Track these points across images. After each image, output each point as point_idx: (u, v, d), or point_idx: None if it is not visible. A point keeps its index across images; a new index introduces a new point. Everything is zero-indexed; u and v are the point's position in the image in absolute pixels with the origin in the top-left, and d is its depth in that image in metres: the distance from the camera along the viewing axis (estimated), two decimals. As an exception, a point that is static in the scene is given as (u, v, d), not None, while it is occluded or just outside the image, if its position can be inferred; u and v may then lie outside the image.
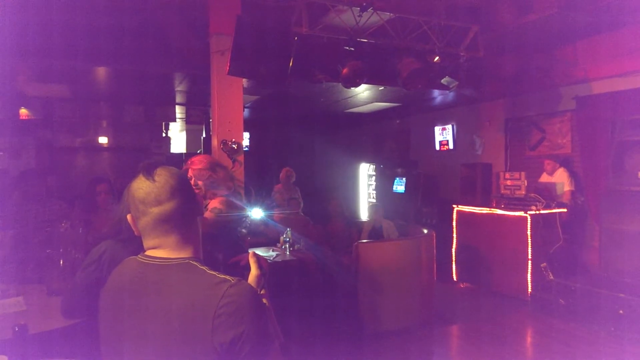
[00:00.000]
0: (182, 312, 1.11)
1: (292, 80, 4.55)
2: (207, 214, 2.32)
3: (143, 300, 1.18)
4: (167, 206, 1.22)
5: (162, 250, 1.24)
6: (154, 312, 1.15)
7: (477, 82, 5.27)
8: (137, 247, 1.37)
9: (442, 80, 5.02)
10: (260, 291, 1.39)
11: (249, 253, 1.53)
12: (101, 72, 6.23)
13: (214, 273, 1.17)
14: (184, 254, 1.23)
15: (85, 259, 2.00)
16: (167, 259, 1.22)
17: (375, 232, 6.08)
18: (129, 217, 1.28)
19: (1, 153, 7.59)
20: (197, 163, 2.45)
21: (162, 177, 1.24)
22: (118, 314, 1.23)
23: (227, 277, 1.15)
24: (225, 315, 1.08)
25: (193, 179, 2.43)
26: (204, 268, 1.19)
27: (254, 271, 1.43)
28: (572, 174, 6.18)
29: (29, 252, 2.86)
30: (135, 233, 1.28)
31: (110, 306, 1.27)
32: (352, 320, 4.69)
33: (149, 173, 1.24)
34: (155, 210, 1.22)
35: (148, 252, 1.25)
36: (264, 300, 1.36)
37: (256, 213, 5.05)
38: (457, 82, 5.07)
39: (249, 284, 1.20)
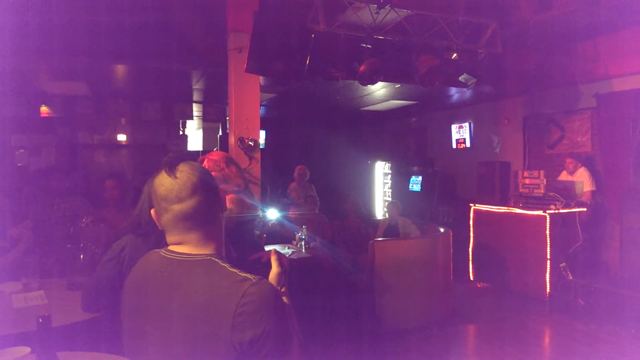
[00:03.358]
0: (202, 309, 1.11)
1: (309, 78, 4.54)
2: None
3: (165, 296, 1.19)
4: (189, 204, 1.21)
5: (184, 246, 1.24)
6: (175, 308, 1.15)
7: (496, 79, 5.21)
8: (157, 241, 1.38)
9: (460, 78, 4.97)
10: (280, 289, 1.39)
11: (269, 250, 1.53)
12: (119, 69, 6.29)
13: (235, 271, 1.16)
14: (206, 250, 1.23)
15: (105, 254, 2.02)
16: (189, 255, 1.21)
17: (391, 230, 6.05)
18: (152, 211, 1.29)
19: (22, 150, 7.73)
20: (215, 155, 2.50)
21: (184, 173, 1.23)
22: (140, 308, 1.24)
23: (249, 275, 1.14)
24: (245, 314, 1.07)
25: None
26: (225, 265, 1.18)
27: (274, 269, 1.42)
28: (593, 174, 6.07)
29: (50, 246, 2.91)
30: (159, 228, 1.29)
31: (132, 300, 1.28)
32: (368, 318, 4.67)
33: (171, 169, 1.23)
34: (177, 208, 1.21)
35: (171, 247, 1.25)
36: (284, 299, 1.35)
37: (272, 214, 5.05)
38: (475, 80, 5.02)
39: (270, 283, 1.19)
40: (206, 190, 1.25)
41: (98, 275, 2.00)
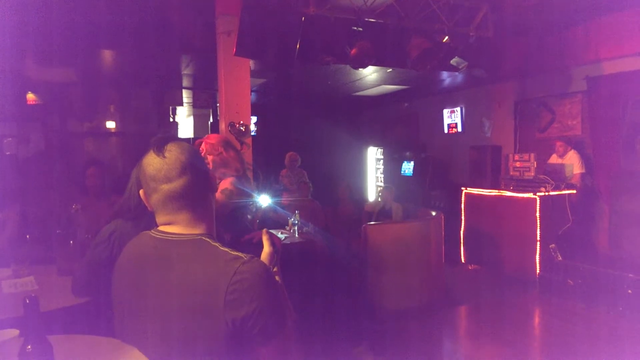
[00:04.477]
0: (194, 288, 1.11)
1: (300, 62, 4.50)
2: (217, 195, 2.31)
3: (155, 276, 1.18)
4: (178, 183, 1.20)
5: (174, 226, 1.23)
6: (166, 287, 1.15)
7: (487, 63, 5.18)
8: (147, 224, 1.37)
9: (452, 61, 4.94)
10: (272, 268, 1.39)
11: (261, 231, 1.52)
12: (107, 55, 6.20)
13: (226, 250, 1.16)
14: (196, 230, 1.23)
15: (95, 238, 2.01)
16: (179, 235, 1.21)
17: (384, 214, 6.08)
18: (141, 192, 1.28)
19: (10, 139, 7.62)
20: (212, 138, 2.47)
21: (173, 153, 1.22)
22: (130, 288, 1.24)
23: (240, 253, 1.14)
24: (237, 291, 1.08)
25: (204, 152, 2.43)
26: (216, 244, 1.18)
27: (266, 248, 1.41)
28: (583, 156, 6.11)
29: (40, 232, 2.89)
30: (148, 209, 1.27)
31: (122, 281, 1.28)
32: (362, 300, 4.71)
33: (159, 149, 1.22)
34: (166, 187, 1.20)
35: (161, 228, 1.25)
36: (277, 278, 1.35)
37: (264, 200, 5.04)
38: (466, 63, 4.99)
39: (262, 261, 1.20)
40: (195, 170, 1.24)
41: (88, 259, 2.00)
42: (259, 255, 1.42)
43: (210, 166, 2.45)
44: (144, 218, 1.72)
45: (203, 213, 1.26)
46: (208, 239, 1.20)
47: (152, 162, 1.22)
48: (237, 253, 1.14)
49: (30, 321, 1.04)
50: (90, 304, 1.96)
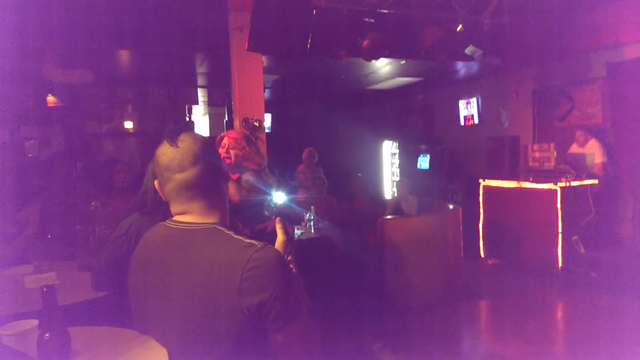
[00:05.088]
0: (208, 276, 1.11)
1: (313, 56, 4.48)
2: (242, 183, 2.32)
3: (170, 265, 1.19)
4: (191, 173, 1.21)
5: (188, 215, 1.24)
6: (182, 276, 1.16)
7: (503, 50, 5.09)
8: (163, 217, 1.38)
9: (466, 50, 4.85)
10: (287, 257, 1.38)
11: (275, 219, 1.52)
12: (124, 55, 6.27)
13: (240, 238, 1.16)
14: (210, 219, 1.23)
15: (113, 232, 2.04)
16: (193, 224, 1.22)
17: (400, 209, 6.04)
18: (155, 182, 1.29)
19: (32, 141, 7.78)
20: (235, 133, 2.48)
21: (186, 143, 1.23)
22: (147, 278, 1.25)
23: (254, 241, 1.14)
24: (251, 279, 1.08)
25: (227, 147, 2.45)
26: (230, 233, 1.18)
27: (280, 237, 1.41)
28: (604, 145, 5.97)
29: (60, 230, 2.95)
30: (163, 198, 1.28)
31: (139, 271, 1.29)
32: (379, 296, 4.68)
33: (173, 139, 1.23)
34: (179, 177, 1.21)
35: (175, 218, 1.26)
36: (291, 266, 1.34)
37: (279, 197, 5.04)
38: (481, 51, 4.90)
39: (276, 249, 1.20)
40: (208, 159, 1.25)
41: (107, 253, 2.02)
42: (274, 244, 1.42)
43: (233, 161, 2.46)
44: (160, 211, 1.74)
45: (216, 202, 1.27)
46: (222, 228, 1.20)
47: (166, 152, 1.23)
48: (250, 241, 1.14)
49: (47, 309, 1.05)
50: (110, 298, 1.98)
